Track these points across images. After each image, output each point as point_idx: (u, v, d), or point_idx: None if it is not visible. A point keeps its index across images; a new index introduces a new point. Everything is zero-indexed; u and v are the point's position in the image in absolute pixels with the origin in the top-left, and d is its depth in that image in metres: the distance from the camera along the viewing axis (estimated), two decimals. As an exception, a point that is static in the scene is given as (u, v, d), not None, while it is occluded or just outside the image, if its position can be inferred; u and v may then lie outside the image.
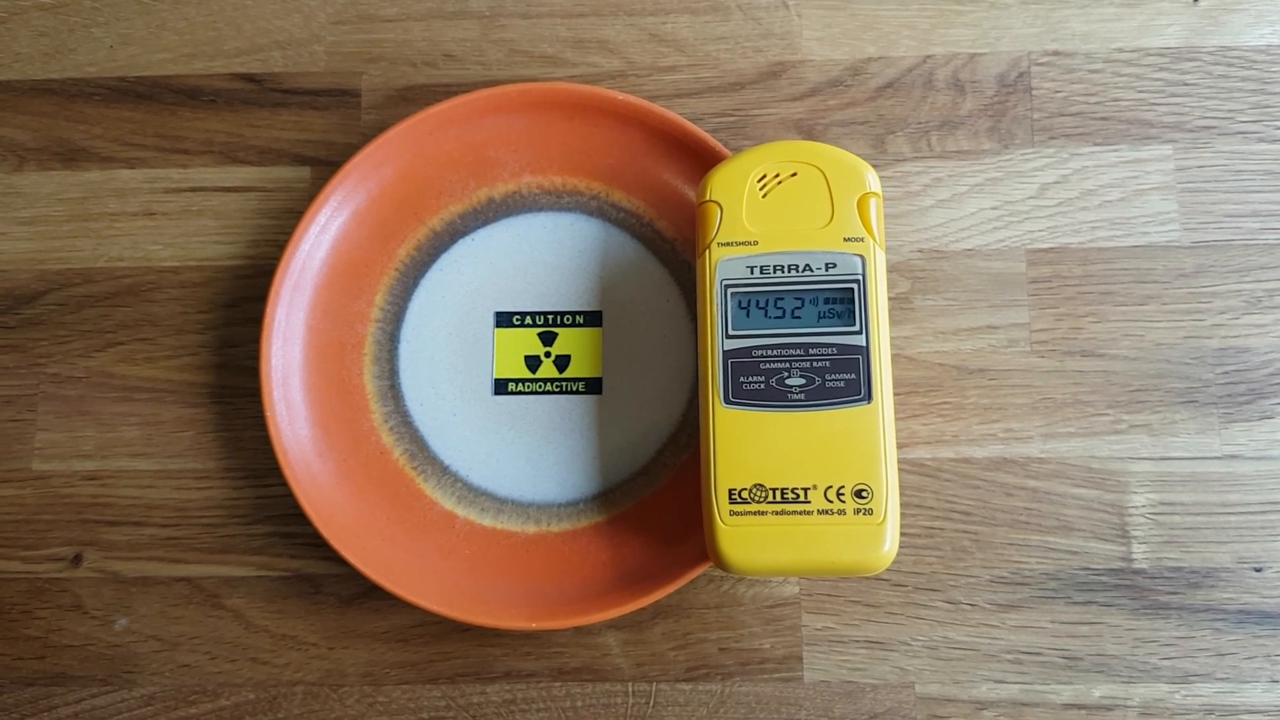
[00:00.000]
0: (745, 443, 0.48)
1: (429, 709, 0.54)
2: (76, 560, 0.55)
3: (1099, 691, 0.52)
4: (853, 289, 0.49)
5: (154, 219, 0.58)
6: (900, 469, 0.54)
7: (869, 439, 0.47)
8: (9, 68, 0.60)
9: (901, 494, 0.54)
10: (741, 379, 0.49)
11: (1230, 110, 0.57)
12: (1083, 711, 0.52)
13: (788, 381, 0.48)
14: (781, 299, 0.49)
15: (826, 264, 0.49)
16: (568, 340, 0.56)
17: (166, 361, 0.57)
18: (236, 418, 0.56)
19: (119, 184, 0.59)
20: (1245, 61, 0.58)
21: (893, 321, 0.55)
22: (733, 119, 0.58)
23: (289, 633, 0.54)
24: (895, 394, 0.54)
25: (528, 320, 0.56)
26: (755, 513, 0.47)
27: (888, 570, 0.53)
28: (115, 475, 0.56)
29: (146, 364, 0.57)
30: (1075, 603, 0.53)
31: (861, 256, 0.49)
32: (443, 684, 0.54)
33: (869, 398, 0.48)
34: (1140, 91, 0.57)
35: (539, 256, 0.56)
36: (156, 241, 0.58)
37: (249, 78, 0.59)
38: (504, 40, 0.59)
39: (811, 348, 0.49)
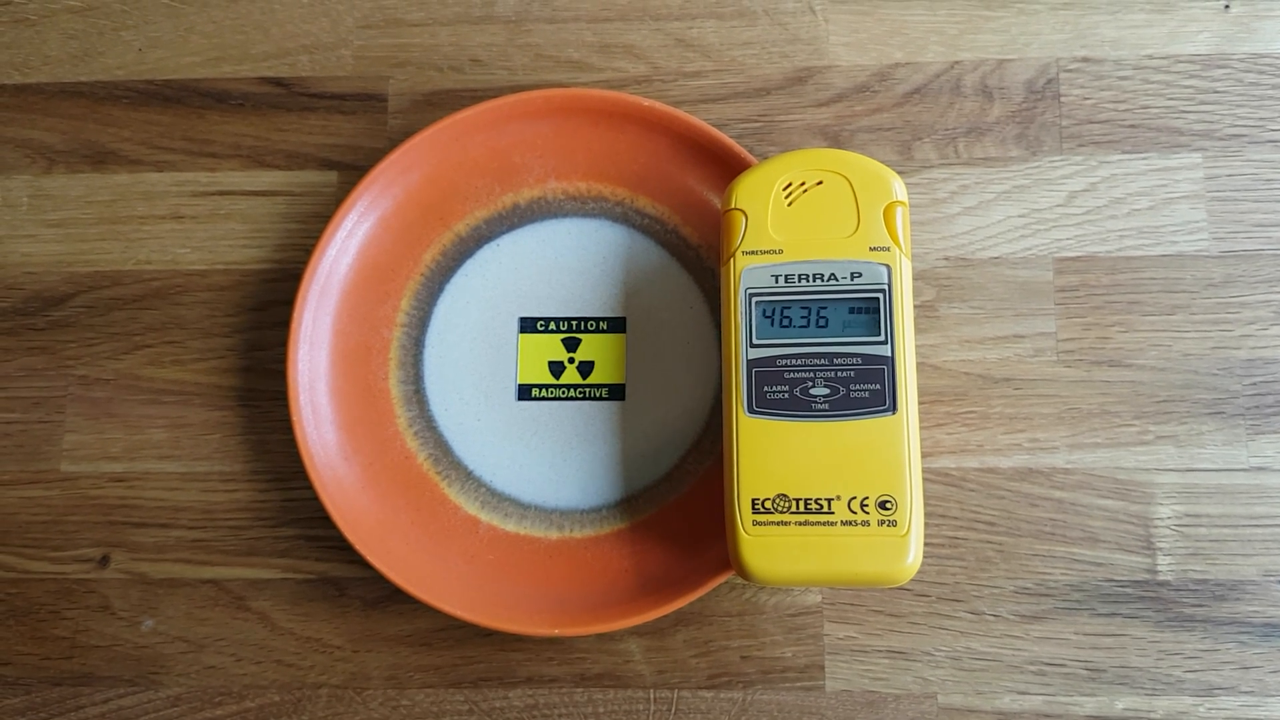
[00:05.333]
0: (769, 452, 0.48)
1: (452, 713, 0.54)
2: (104, 561, 0.56)
3: (1122, 704, 0.52)
4: (878, 299, 0.49)
5: (182, 222, 0.58)
6: (924, 478, 0.54)
7: (893, 450, 0.47)
8: (38, 70, 0.60)
9: (925, 504, 0.53)
10: (765, 388, 0.49)
11: (1261, 119, 0.57)
12: (1106, 724, 0.52)
13: (812, 391, 0.48)
14: (806, 308, 0.49)
15: (852, 273, 0.49)
16: (591, 346, 0.56)
17: (194, 364, 0.57)
18: (263, 421, 0.57)
19: (147, 187, 0.59)
20: (1277, 69, 0.57)
21: (918, 330, 0.55)
22: (758, 125, 0.58)
23: (314, 635, 0.55)
24: (920, 403, 0.54)
25: (552, 326, 0.56)
26: (778, 523, 0.47)
27: (911, 580, 0.53)
28: (142, 477, 0.56)
29: (174, 367, 0.57)
30: (1099, 614, 0.53)
31: (887, 266, 0.49)
32: (466, 688, 0.54)
33: (894, 408, 0.48)
34: (1170, 99, 0.57)
35: (564, 262, 0.57)
36: (184, 245, 0.58)
37: (276, 81, 0.59)
38: (530, 45, 0.59)
39: (836, 357, 0.49)
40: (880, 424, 0.48)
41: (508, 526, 0.54)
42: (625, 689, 0.54)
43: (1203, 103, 0.57)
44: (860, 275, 0.49)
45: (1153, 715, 0.52)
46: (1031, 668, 0.53)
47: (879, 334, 0.48)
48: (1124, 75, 0.57)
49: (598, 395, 0.55)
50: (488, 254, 0.57)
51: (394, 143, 0.58)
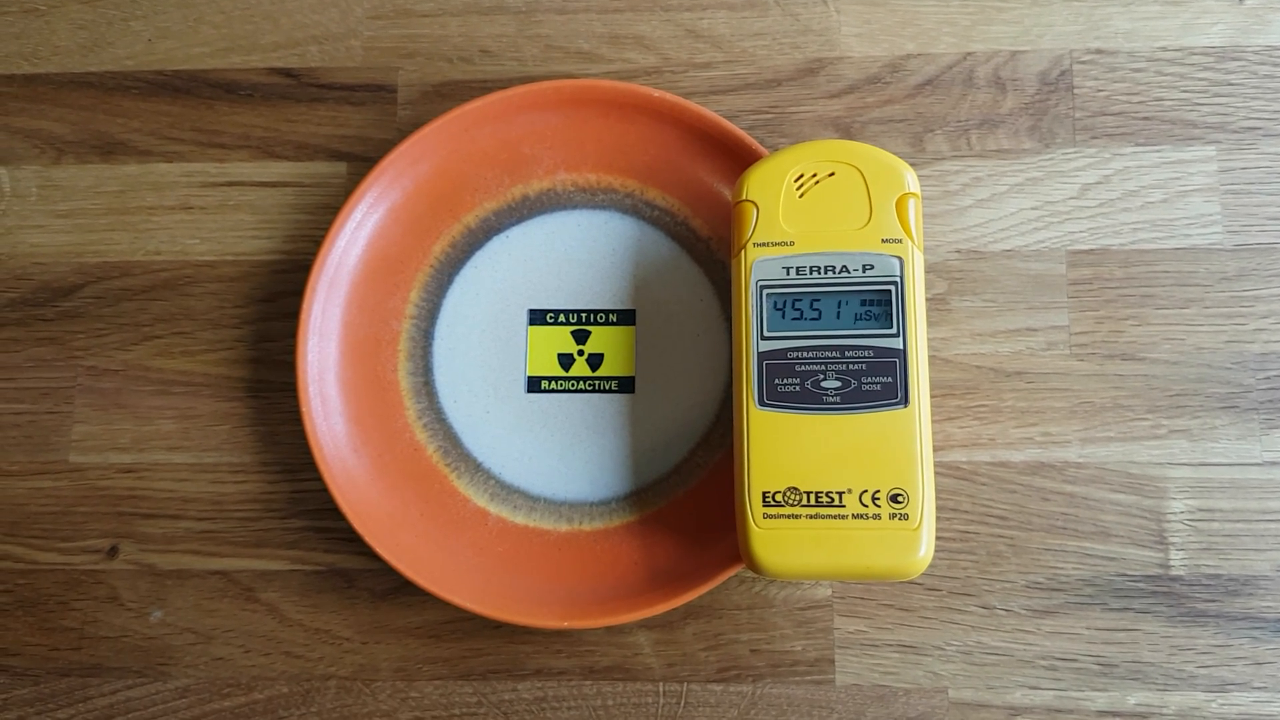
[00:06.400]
0: (780, 445, 0.48)
1: (460, 705, 0.54)
2: (113, 552, 0.56)
3: (1134, 699, 0.52)
4: (890, 291, 0.48)
5: (191, 213, 0.58)
6: (936, 472, 0.53)
7: (905, 443, 0.47)
8: (48, 61, 0.60)
9: (937, 497, 0.53)
10: (776, 381, 0.48)
11: (1276, 111, 0.56)
12: (1118, 719, 0.52)
13: (823, 384, 0.48)
14: (818, 300, 0.49)
15: (864, 265, 0.49)
16: (601, 339, 0.56)
17: (203, 355, 0.57)
18: (272, 412, 0.56)
19: (156, 177, 0.59)
20: (1293, 61, 0.57)
21: (929, 322, 0.55)
22: (769, 116, 0.58)
23: (323, 627, 0.55)
24: (931, 396, 0.53)
25: (561, 318, 0.56)
26: (789, 516, 0.47)
27: (922, 574, 0.53)
28: (151, 468, 0.56)
29: (183, 358, 0.57)
30: (1111, 609, 0.53)
31: (899, 258, 0.49)
32: (474, 680, 0.54)
33: (906, 401, 0.47)
34: (1184, 91, 0.57)
35: (573, 254, 0.56)
36: (193, 235, 0.58)
37: (286, 72, 0.59)
38: (540, 36, 0.59)
39: (848, 350, 0.48)
40: (892, 417, 0.47)
41: (517, 519, 0.54)
42: (634, 682, 0.54)
43: (1217, 95, 0.57)
44: (872, 267, 0.49)
45: (1165, 711, 0.52)
46: (1043, 663, 0.52)
47: (891, 326, 0.48)
48: (1138, 67, 0.57)
49: (607, 388, 0.55)
50: (497, 246, 0.56)
51: (403, 134, 0.58)
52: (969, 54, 0.58)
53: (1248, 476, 0.53)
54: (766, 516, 0.47)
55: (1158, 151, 0.56)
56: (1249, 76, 0.57)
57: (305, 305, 0.54)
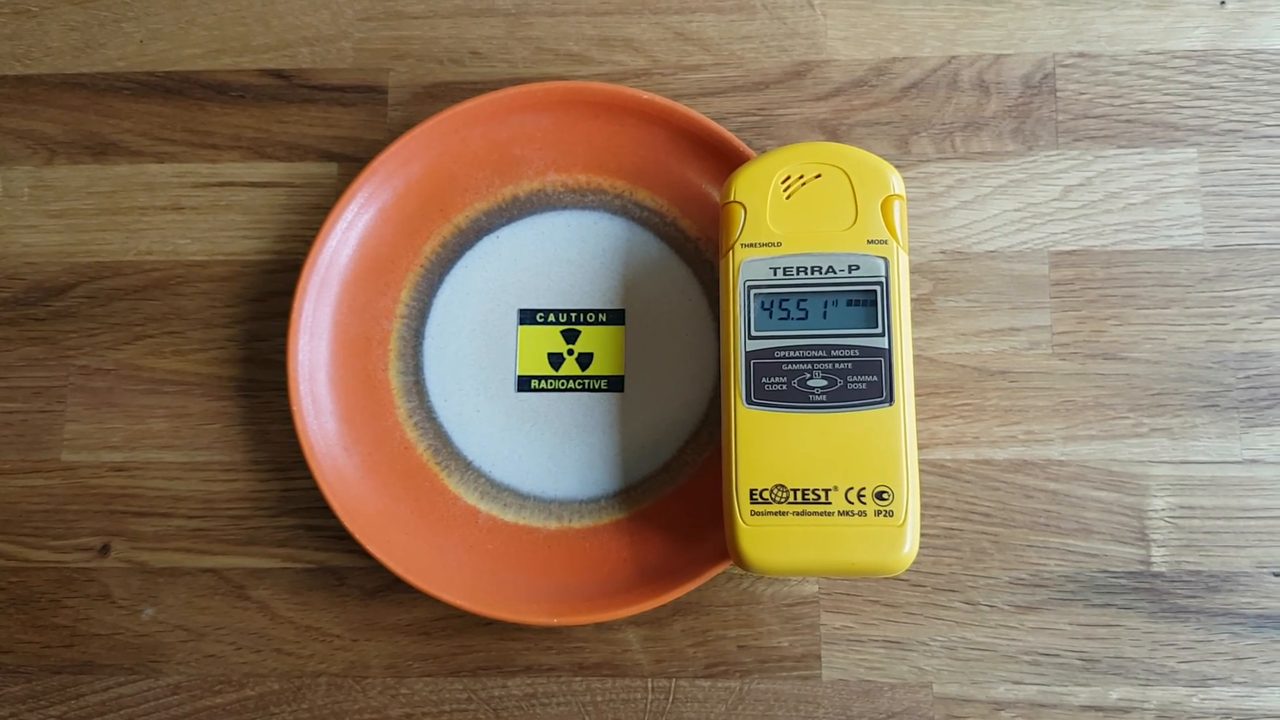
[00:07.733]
0: (767, 443, 0.48)
1: (450, 701, 0.54)
2: (104, 550, 0.56)
3: (1116, 694, 0.53)
4: (875, 291, 0.49)
5: (182, 213, 0.59)
6: (920, 469, 0.54)
7: (890, 441, 0.48)
8: (40, 61, 0.61)
9: (921, 495, 0.54)
10: (764, 379, 0.49)
11: (1256, 114, 0.57)
12: (1100, 714, 0.52)
13: (810, 383, 0.49)
14: (804, 300, 0.50)
15: (849, 266, 0.49)
16: (591, 338, 0.56)
17: (194, 355, 0.57)
18: (263, 411, 0.57)
19: (148, 178, 0.59)
20: (1272, 65, 0.57)
21: (914, 322, 0.56)
22: (757, 119, 0.58)
23: (313, 624, 0.55)
24: (916, 395, 0.54)
25: (551, 318, 0.56)
26: (776, 513, 0.48)
27: (907, 570, 0.53)
28: (143, 467, 0.57)
29: (174, 357, 0.57)
30: (1094, 605, 0.53)
31: (885, 259, 0.49)
32: (464, 677, 0.54)
33: (890, 400, 0.48)
34: (1166, 94, 0.57)
35: (563, 254, 0.57)
36: (185, 235, 0.58)
37: (277, 74, 0.60)
38: (530, 38, 0.60)
39: (834, 349, 0.49)
40: (877, 415, 0.48)
41: (507, 517, 0.55)
42: (623, 678, 0.54)
43: (1198, 98, 0.57)
44: (858, 268, 0.49)
45: (1146, 705, 0.52)
46: (1026, 658, 0.53)
47: (876, 326, 0.49)
48: (1120, 70, 0.58)
49: (597, 387, 0.56)
50: (487, 246, 0.57)
51: (394, 135, 0.58)
52: (953, 57, 0.58)
53: (1228, 474, 0.54)
54: (754, 514, 0.48)
55: (1139, 154, 0.57)
56: (1230, 80, 0.57)
57: (296, 305, 0.54)
